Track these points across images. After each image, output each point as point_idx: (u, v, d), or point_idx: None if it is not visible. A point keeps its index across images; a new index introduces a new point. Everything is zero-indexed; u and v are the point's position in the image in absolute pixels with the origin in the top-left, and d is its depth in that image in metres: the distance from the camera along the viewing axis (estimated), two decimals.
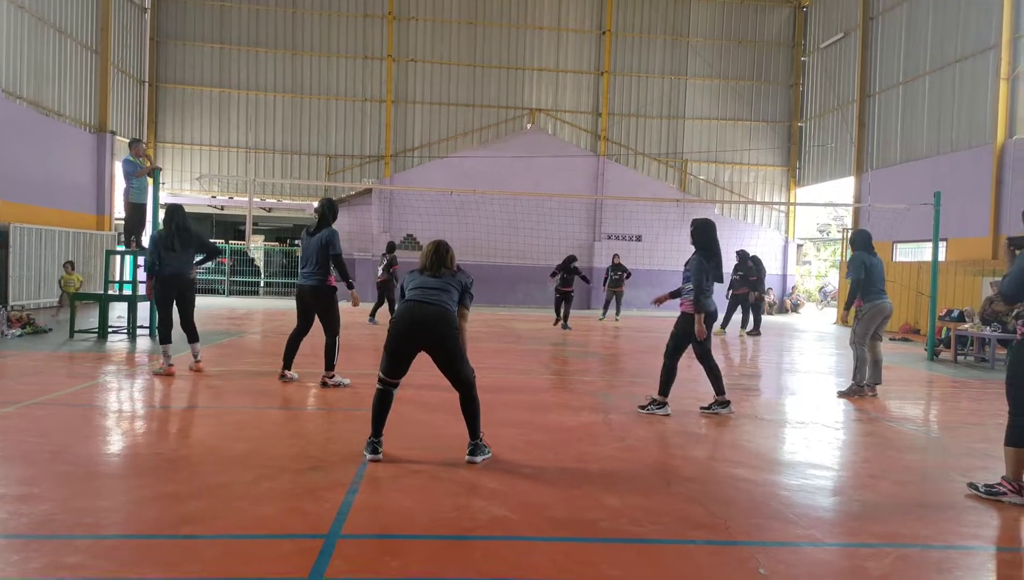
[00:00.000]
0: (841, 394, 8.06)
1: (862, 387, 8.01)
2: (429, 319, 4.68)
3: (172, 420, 6.08)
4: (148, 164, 11.52)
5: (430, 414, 6.27)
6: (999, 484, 4.41)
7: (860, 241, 8.16)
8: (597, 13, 25.28)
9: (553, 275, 16.05)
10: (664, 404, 6.68)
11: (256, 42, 24.40)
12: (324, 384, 7.42)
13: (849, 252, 8.20)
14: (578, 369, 9.97)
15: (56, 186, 17.92)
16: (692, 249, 6.90)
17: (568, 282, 15.79)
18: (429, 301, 4.72)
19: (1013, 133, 16.60)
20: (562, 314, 15.85)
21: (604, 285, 18.48)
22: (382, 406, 4.83)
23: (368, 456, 4.75)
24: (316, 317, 7.49)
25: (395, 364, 4.77)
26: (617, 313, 18.37)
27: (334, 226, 7.41)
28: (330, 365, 7.44)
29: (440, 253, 4.97)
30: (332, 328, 7.38)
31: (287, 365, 7.65)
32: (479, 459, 4.81)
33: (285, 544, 3.39)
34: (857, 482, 4.82)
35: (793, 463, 5.24)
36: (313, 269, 7.31)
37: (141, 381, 7.66)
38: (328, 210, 7.44)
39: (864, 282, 7.87)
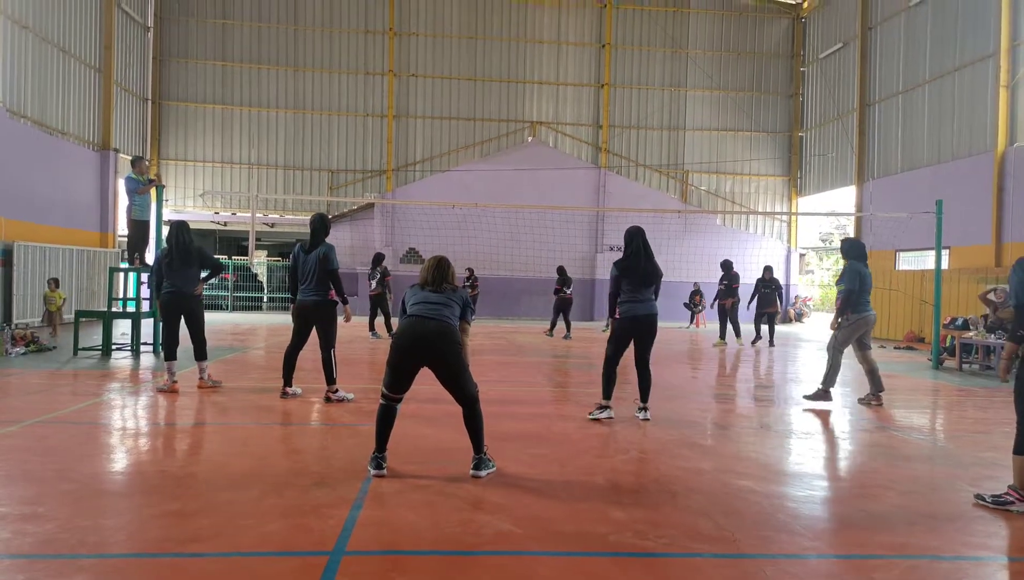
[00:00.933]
0: (807, 397, 8.09)
1: (828, 392, 8.01)
2: (431, 334, 4.68)
3: (176, 437, 6.07)
4: (157, 179, 11.60)
5: (434, 428, 6.26)
6: (1006, 493, 4.38)
7: (855, 251, 8.13)
8: (597, 26, 25.44)
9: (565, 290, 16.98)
10: (606, 407, 6.86)
11: (257, 59, 24.57)
12: (328, 399, 7.44)
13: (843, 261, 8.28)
14: (582, 381, 9.93)
15: (60, 204, 18.01)
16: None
17: (555, 291, 16.89)
18: (431, 316, 4.73)
19: (1014, 140, 16.62)
20: (551, 323, 16.94)
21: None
22: (386, 421, 4.82)
23: (372, 471, 4.74)
24: (311, 332, 7.54)
25: (398, 379, 4.77)
26: None
27: (328, 241, 7.48)
28: (331, 379, 7.47)
29: (442, 269, 5.01)
30: (329, 342, 7.43)
31: (287, 382, 7.66)
32: (483, 473, 4.79)
33: (290, 561, 3.37)
34: (864, 492, 4.79)
35: (800, 474, 5.21)
36: (314, 285, 7.37)
37: (145, 398, 7.66)
38: (321, 226, 7.49)
39: (856, 293, 7.88)
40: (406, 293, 5.02)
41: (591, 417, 6.86)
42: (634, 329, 6.77)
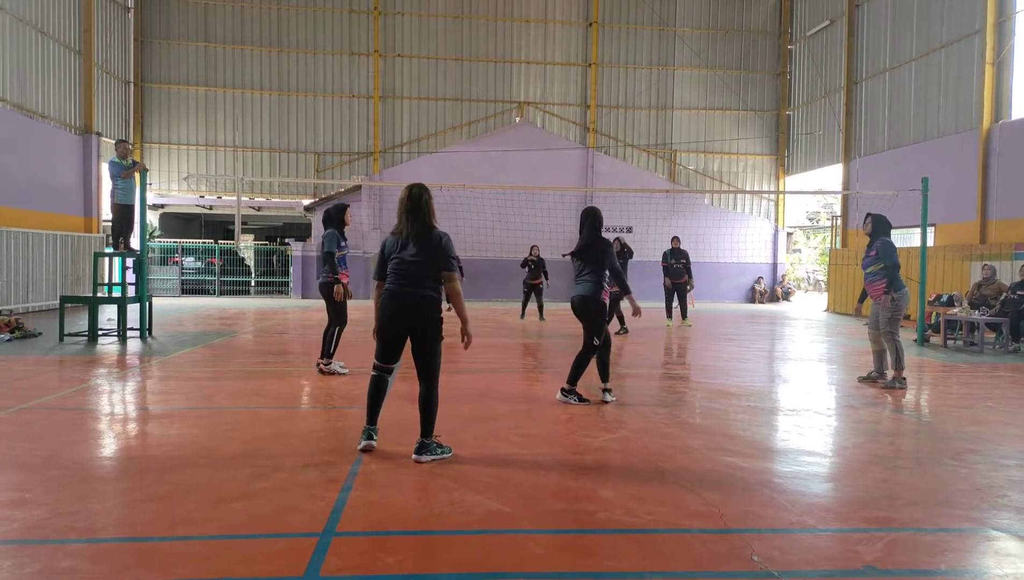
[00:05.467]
0: (886, 386, 7.84)
1: (904, 378, 7.84)
2: (408, 314, 4.64)
3: (164, 421, 6.04)
4: (140, 163, 11.48)
5: None
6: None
7: (886, 226, 7.94)
8: (584, 5, 25.25)
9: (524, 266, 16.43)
10: (564, 392, 6.75)
11: (241, 40, 24.26)
12: (320, 370, 7.88)
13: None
14: (570, 361, 9.96)
15: (42, 189, 17.78)
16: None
17: (536, 275, 16.15)
18: (409, 293, 4.61)
19: (999, 117, 16.69)
20: (538, 306, 16.23)
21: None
22: (377, 392, 4.83)
23: (363, 443, 4.79)
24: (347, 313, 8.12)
25: (387, 349, 4.77)
26: None
27: (342, 229, 8.00)
28: (325, 352, 7.92)
29: (417, 210, 4.65)
30: (332, 320, 7.98)
31: (323, 354, 8.00)
32: (426, 458, 4.61)
33: (280, 543, 3.38)
34: (849, 468, 4.85)
35: (786, 450, 5.27)
36: (322, 267, 8.08)
37: (132, 383, 7.63)
38: (334, 212, 7.96)
39: (893, 269, 7.70)
40: (386, 242, 4.80)
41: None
42: (574, 309, 6.70)
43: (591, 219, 6.73)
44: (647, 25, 25.37)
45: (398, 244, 4.69)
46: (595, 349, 6.62)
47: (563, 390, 6.77)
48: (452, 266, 4.67)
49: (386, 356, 4.78)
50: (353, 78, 24.66)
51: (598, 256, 6.53)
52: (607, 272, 6.59)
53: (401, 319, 4.65)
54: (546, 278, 16.39)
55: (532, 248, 16.51)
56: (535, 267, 16.18)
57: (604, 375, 6.81)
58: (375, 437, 4.82)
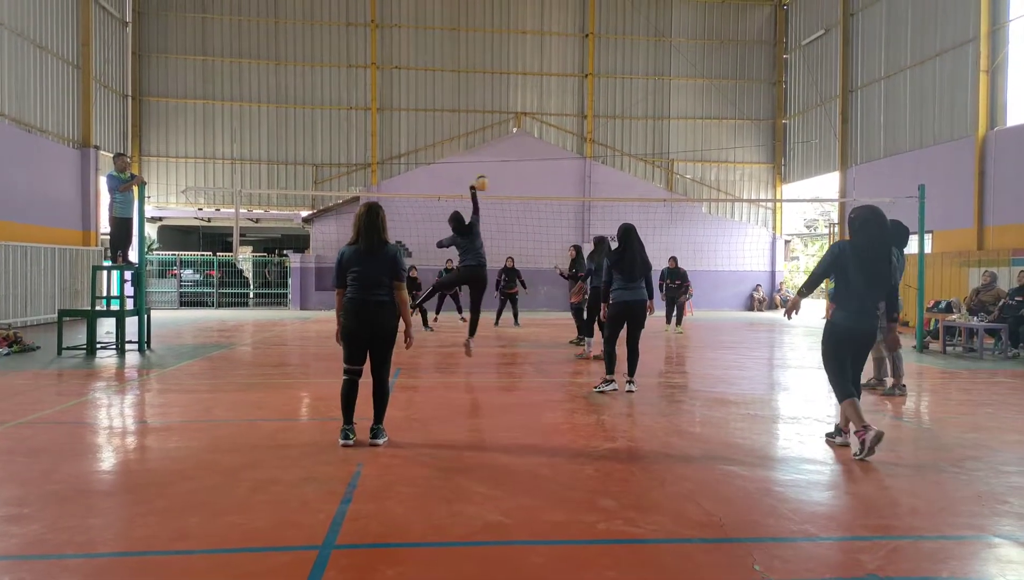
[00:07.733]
0: (886, 393, 7.86)
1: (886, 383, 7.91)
2: (374, 321, 5.18)
3: (162, 435, 6.02)
4: (139, 176, 11.49)
5: (422, 419, 6.25)
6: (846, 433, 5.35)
7: (895, 236, 7.51)
8: (580, 16, 25.38)
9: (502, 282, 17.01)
10: (610, 381, 7.72)
11: (239, 53, 24.35)
12: None
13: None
14: (570, 370, 9.96)
15: (41, 203, 17.80)
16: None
17: (512, 284, 16.85)
18: (372, 300, 5.15)
19: (994, 124, 16.77)
20: (514, 313, 16.96)
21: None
22: (349, 395, 5.32)
23: (341, 442, 5.20)
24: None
25: (353, 353, 5.28)
26: None
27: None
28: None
29: (375, 225, 5.20)
30: None
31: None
32: (381, 442, 5.29)
33: (279, 556, 3.37)
34: (850, 476, 4.84)
35: (786, 459, 5.26)
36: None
37: (131, 397, 7.61)
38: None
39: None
40: (344, 253, 5.28)
41: (596, 390, 7.69)
42: (625, 313, 7.64)
43: (637, 238, 7.80)
44: (643, 36, 25.50)
45: (356, 256, 5.21)
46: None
47: (630, 381, 7.75)
48: (403, 277, 5.34)
49: (354, 358, 5.30)
50: (351, 90, 24.75)
51: (648, 270, 7.78)
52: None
53: (364, 322, 5.19)
54: (523, 286, 16.96)
55: (507, 259, 17.09)
56: (510, 277, 16.83)
57: (610, 368, 7.84)
58: (352, 436, 5.24)
